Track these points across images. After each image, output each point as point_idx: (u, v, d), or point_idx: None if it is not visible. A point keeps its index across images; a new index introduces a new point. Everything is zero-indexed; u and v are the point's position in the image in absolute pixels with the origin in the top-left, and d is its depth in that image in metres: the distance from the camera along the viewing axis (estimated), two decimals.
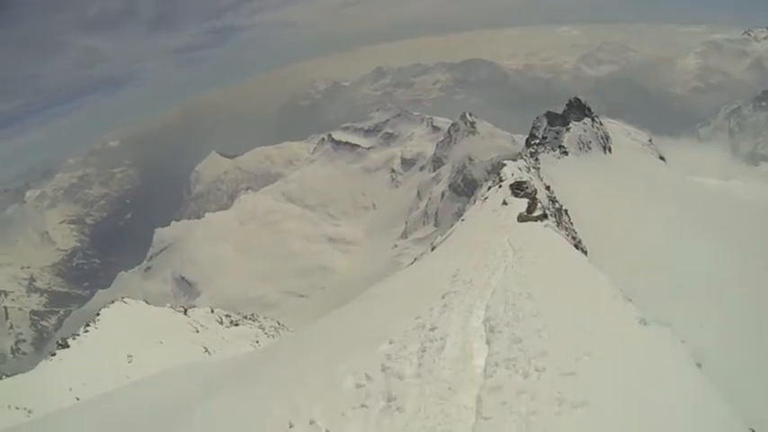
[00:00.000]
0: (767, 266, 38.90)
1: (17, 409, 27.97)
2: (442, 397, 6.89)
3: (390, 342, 9.48)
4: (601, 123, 70.24)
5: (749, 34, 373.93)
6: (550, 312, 8.84)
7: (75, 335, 39.61)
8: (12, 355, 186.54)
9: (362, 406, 7.29)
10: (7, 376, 34.90)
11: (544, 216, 23.76)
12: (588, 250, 27.11)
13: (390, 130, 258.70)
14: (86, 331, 40.07)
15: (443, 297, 11.63)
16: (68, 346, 37.34)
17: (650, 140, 79.89)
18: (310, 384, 9.00)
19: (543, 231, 20.06)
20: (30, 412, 27.45)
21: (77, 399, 28.84)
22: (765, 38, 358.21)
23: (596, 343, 7.19)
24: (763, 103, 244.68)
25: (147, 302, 51.07)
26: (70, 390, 30.75)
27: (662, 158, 74.36)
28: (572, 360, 6.75)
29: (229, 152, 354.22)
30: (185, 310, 52.79)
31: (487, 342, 8.52)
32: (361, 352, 9.50)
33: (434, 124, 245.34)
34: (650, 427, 5.17)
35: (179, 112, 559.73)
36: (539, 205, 26.07)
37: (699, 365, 6.60)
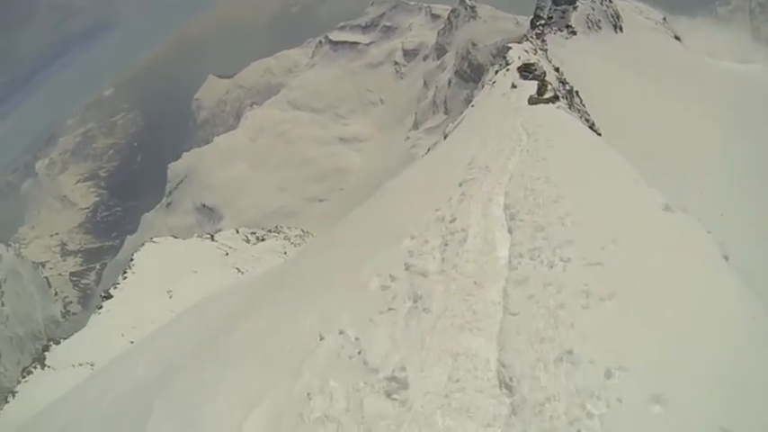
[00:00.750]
0: None
1: (80, 365, 29.45)
2: (468, 293, 6.88)
3: (411, 237, 9.46)
4: (610, 1, 67.16)
5: None
6: (572, 197, 8.60)
7: (115, 284, 41.17)
8: (63, 319, 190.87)
9: (389, 309, 7.27)
10: (64, 339, 36.39)
11: (555, 98, 22.99)
12: (602, 133, 26.68)
13: (388, 23, 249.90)
14: (125, 278, 41.62)
15: (460, 185, 11.51)
16: (112, 297, 38.91)
17: (665, 19, 76.27)
18: (336, 292, 9.08)
19: (556, 113, 19.17)
20: (92, 365, 28.84)
21: (131, 342, 30.03)
22: None
23: (621, 231, 7.01)
24: None
25: (174, 237, 52.27)
26: (123, 335, 32.22)
27: (677, 38, 70.90)
28: (597, 249, 6.61)
29: (227, 72, 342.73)
30: (212, 236, 53.96)
31: (509, 231, 8.45)
32: (383, 251, 9.54)
33: (433, 12, 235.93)
34: (680, 321, 5.00)
35: (167, 43, 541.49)
36: (549, 87, 24.94)
37: (726, 258, 6.33)
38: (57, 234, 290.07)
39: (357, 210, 18.48)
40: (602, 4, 64.16)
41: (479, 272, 7.41)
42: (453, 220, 9.40)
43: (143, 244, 49.44)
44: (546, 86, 24.49)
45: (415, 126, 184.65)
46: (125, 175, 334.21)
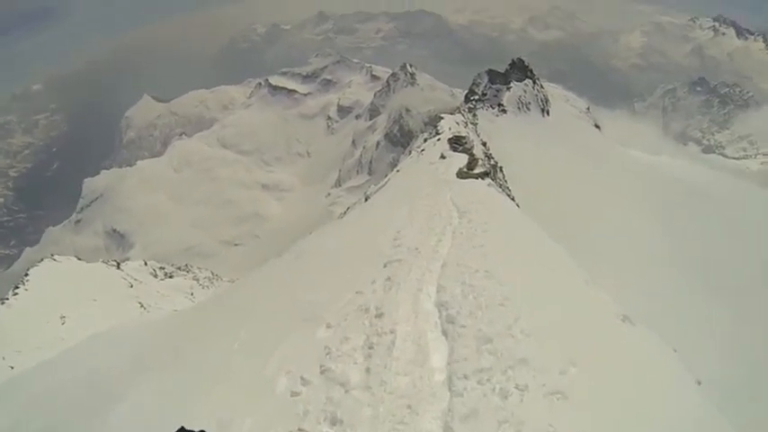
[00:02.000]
0: (695, 244, 40.20)
1: None
2: (401, 420, 5.83)
3: (328, 326, 8.45)
4: (542, 86, 70.82)
5: (694, 21, 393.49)
6: (518, 300, 7.88)
7: (3, 299, 38.61)
8: None
9: (299, 430, 6.02)
10: None
11: (486, 174, 23.27)
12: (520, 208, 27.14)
13: (329, 77, 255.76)
14: (16, 294, 39.14)
15: (385, 266, 10.65)
16: None
17: (588, 109, 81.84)
18: (237, 384, 8.01)
19: (487, 191, 19.21)
20: None
21: (11, 368, 28.11)
22: (709, 28, 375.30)
23: (580, 348, 6.52)
24: (698, 89, 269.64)
25: (78, 258, 50.29)
26: (3, 359, 29.93)
27: (597, 127, 76.66)
28: (557, 373, 6.04)
29: (163, 96, 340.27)
30: (118, 264, 52.14)
31: (444, 333, 7.55)
32: (293, 338, 8.55)
33: (374, 73, 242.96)
34: None
35: (109, 51, 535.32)
36: (480, 162, 25.49)
37: (699, 383, 6.17)
38: None
39: (271, 265, 17.91)
40: (533, 88, 68.14)
41: (413, 391, 6.27)
42: (379, 315, 8.31)
43: (42, 259, 47.42)
44: (477, 161, 25.15)
45: (338, 183, 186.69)
46: (37, 179, 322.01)
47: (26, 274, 43.09)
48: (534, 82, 69.59)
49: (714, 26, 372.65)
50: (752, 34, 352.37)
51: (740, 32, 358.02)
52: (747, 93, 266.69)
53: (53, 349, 28.19)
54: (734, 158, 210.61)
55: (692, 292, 31.85)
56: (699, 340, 23.33)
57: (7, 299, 38.54)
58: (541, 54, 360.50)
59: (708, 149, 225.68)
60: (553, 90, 77.98)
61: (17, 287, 40.46)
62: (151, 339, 17.48)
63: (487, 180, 21.93)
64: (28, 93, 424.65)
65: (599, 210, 41.14)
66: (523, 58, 73.34)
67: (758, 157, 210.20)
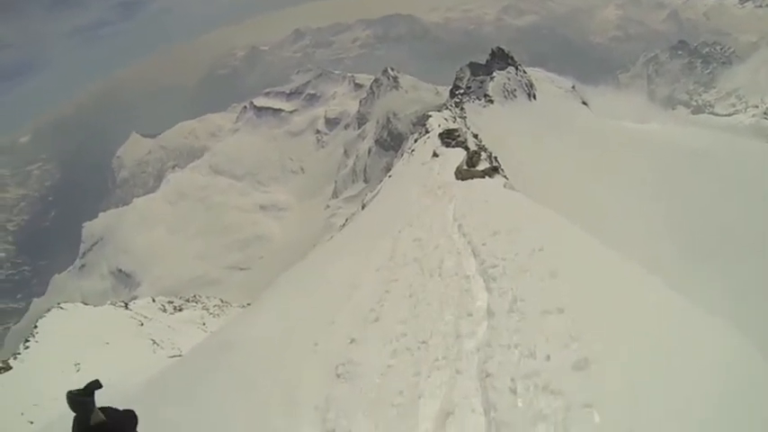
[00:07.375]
0: (694, 210, 39.09)
1: None
2: None
3: None
4: (524, 72, 71.24)
5: None
6: None
7: (15, 354, 38.04)
8: None
9: None
10: None
11: (494, 169, 18.33)
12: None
13: (312, 91, 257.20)
14: (27, 347, 38.48)
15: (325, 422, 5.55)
16: (11, 368, 35.80)
17: (573, 87, 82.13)
18: None
19: (507, 196, 13.41)
20: None
21: (31, 423, 27.84)
22: None
23: None
24: (679, 52, 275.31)
25: (85, 303, 49.61)
26: (22, 414, 29.57)
27: (585, 104, 76.52)
28: None
29: (151, 131, 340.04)
30: (126, 305, 51.52)
31: None
32: None
33: (357, 82, 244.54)
34: None
35: (92, 94, 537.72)
36: (483, 156, 21.34)
37: None
38: None
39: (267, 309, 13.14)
40: (516, 74, 68.07)
41: None
42: None
43: (49, 309, 46.85)
44: (479, 155, 21.18)
45: (335, 195, 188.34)
46: (36, 230, 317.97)
47: (35, 326, 42.67)
48: (516, 68, 69.88)
49: None
50: None
51: None
52: (728, 49, 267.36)
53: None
54: (724, 115, 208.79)
55: (686, 263, 30.11)
56: None
57: (19, 353, 38.13)
58: (520, 40, 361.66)
59: (697, 110, 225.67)
60: (536, 74, 78.29)
61: (27, 340, 39.96)
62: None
63: (499, 178, 16.94)
64: (16, 145, 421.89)
65: (594, 187, 40.84)
66: (502, 47, 73.68)
67: (748, 110, 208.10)
